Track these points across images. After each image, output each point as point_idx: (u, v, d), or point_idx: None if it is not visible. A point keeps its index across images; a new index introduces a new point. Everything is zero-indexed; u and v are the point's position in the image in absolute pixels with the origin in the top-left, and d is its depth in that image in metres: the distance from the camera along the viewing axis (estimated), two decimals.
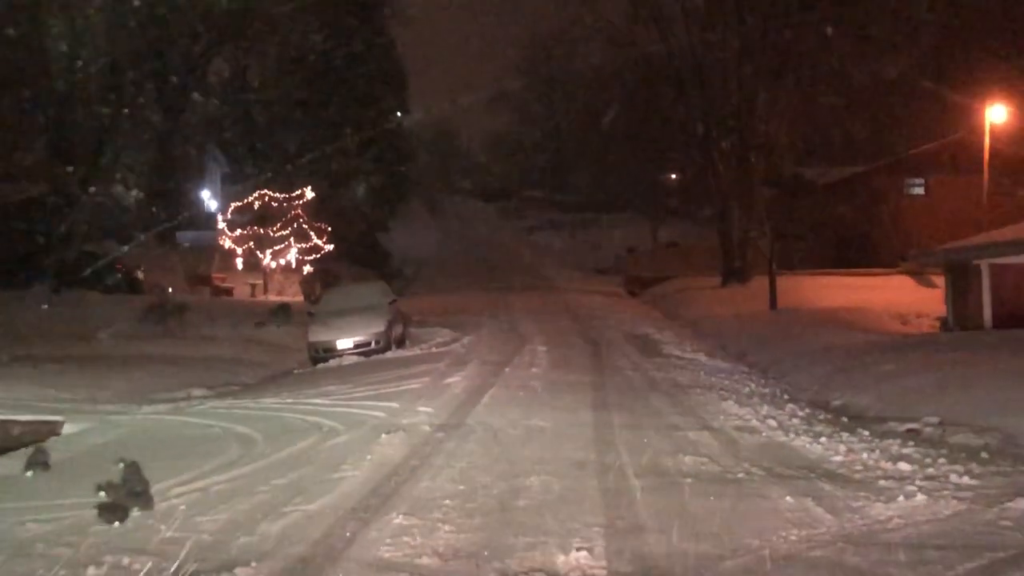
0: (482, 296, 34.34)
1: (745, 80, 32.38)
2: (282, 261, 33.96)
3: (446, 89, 78.96)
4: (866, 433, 9.65)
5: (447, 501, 7.05)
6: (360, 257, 39.13)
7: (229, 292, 33.43)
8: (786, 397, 12.99)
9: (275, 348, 21.12)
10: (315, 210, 34.94)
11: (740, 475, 7.84)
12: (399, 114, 46.73)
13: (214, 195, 44.96)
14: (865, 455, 8.45)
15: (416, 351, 19.26)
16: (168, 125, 42.11)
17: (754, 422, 10.35)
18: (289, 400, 12.33)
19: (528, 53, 68.81)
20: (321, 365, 18.34)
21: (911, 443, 9.17)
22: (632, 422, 10.41)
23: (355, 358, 18.36)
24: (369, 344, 18.91)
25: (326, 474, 7.87)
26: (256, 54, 40.69)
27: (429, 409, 11.01)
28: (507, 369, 15.01)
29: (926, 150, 37.30)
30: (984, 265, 20.33)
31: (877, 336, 20.88)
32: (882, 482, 7.56)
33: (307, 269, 34.29)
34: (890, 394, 12.70)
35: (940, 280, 32.09)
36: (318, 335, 19.14)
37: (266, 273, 34.07)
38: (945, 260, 21.58)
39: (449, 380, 13.59)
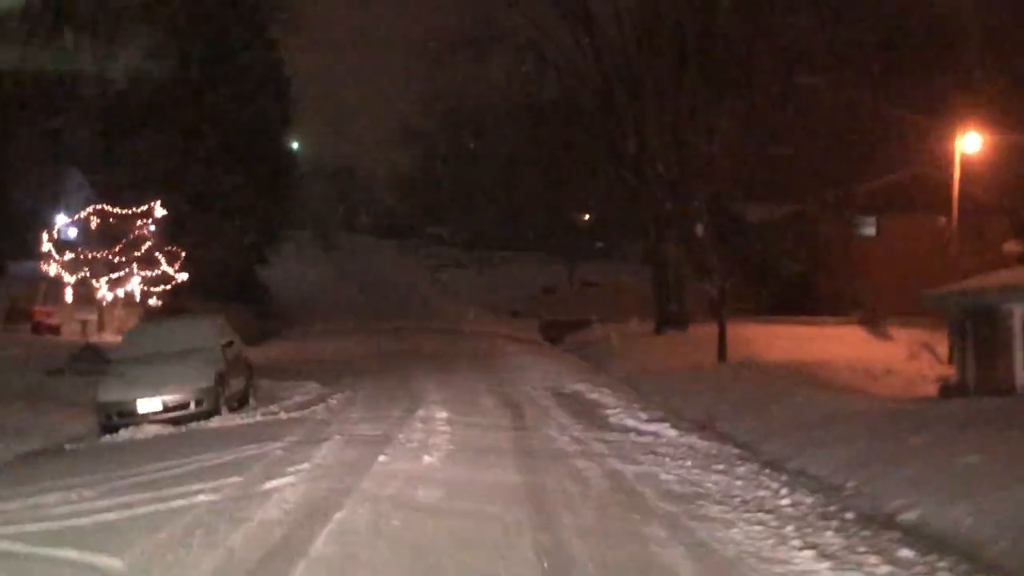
0: (374, 340, 29.23)
1: (684, 92, 27.90)
2: (121, 292, 27.40)
3: (345, 121, 73.22)
4: None
5: None
6: (227, 291, 32.65)
7: (55, 330, 26.78)
8: (874, 522, 7.52)
9: (63, 407, 14.86)
10: (171, 232, 28.66)
11: None
12: (289, 141, 40.92)
13: (76, 223, 38.01)
14: None
15: (258, 416, 13.35)
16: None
17: None
18: None
19: (433, 82, 63.69)
20: (109, 438, 12.28)
21: None
22: None
23: (161, 427, 12.38)
24: (187, 406, 12.99)
25: None
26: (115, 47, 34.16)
27: None
28: (382, 457, 9.19)
29: (878, 185, 33.68)
30: (1019, 311, 15.68)
31: (886, 403, 15.99)
32: None
33: (153, 302, 27.78)
34: (1005, 511, 7.48)
35: (897, 332, 28.58)
36: (111, 392, 13.06)
37: (101, 307, 27.43)
38: (963, 304, 16.79)
39: (274, 483, 7.76)
